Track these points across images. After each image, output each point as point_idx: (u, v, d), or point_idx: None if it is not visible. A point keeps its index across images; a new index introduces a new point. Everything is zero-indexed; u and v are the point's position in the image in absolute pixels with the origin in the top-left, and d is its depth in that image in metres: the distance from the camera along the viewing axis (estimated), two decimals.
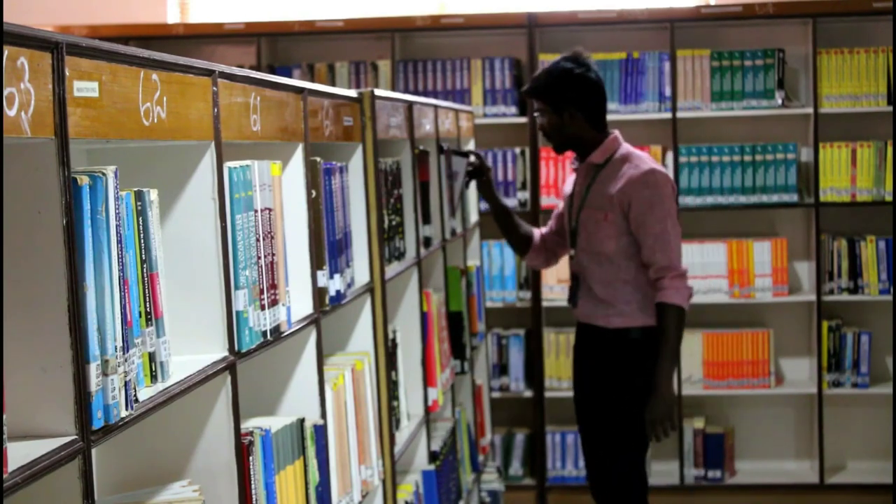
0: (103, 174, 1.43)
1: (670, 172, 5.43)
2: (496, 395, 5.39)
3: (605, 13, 5.37)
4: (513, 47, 5.53)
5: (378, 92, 2.93)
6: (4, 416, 1.19)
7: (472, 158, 3.93)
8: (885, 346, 5.41)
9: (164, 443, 1.84)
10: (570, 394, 5.63)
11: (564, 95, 3.55)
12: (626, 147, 3.63)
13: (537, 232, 4.01)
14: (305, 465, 2.21)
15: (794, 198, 5.38)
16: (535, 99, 3.67)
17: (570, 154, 3.76)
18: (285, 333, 2.13)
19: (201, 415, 1.84)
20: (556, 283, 5.40)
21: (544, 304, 5.42)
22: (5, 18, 1.22)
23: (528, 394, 5.51)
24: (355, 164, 2.83)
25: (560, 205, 3.90)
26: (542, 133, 3.65)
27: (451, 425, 3.76)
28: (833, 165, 5.34)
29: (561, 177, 5.47)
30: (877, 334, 5.40)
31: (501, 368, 5.53)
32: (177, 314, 1.73)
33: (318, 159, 2.41)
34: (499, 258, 5.49)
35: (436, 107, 3.87)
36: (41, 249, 1.34)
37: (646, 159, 3.61)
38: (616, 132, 3.65)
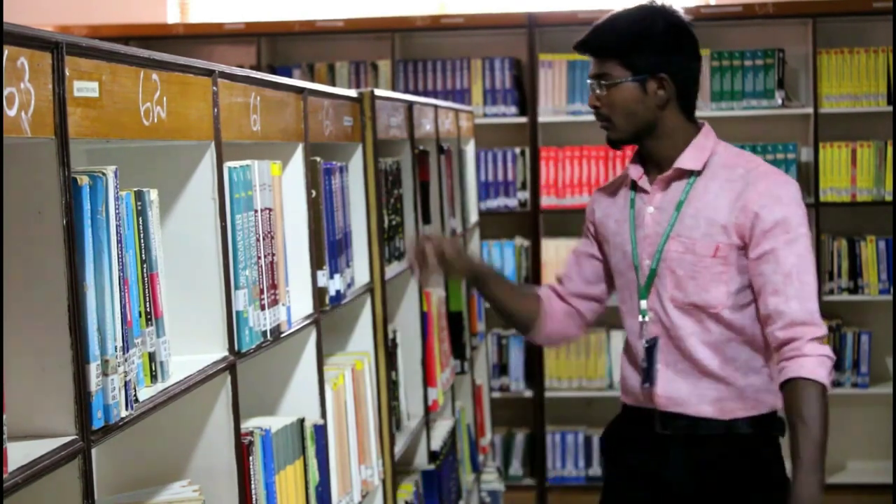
0: (103, 174, 1.43)
1: None
2: (496, 395, 5.39)
3: (605, 13, 5.36)
4: (513, 47, 5.53)
5: (378, 92, 2.93)
6: (4, 416, 1.19)
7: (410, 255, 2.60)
8: (885, 346, 5.41)
9: (164, 443, 1.84)
10: (571, 394, 5.68)
11: (657, 55, 2.41)
12: (724, 146, 2.50)
13: (545, 290, 2.69)
14: (305, 465, 2.21)
15: None
16: (599, 57, 2.43)
17: (626, 152, 2.78)
18: (285, 333, 2.13)
19: (201, 415, 1.84)
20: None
21: None
22: (5, 18, 1.22)
23: (528, 394, 5.51)
24: (355, 164, 2.83)
25: (581, 242, 2.66)
26: (598, 115, 2.45)
27: (451, 425, 3.76)
28: (833, 165, 5.34)
29: (562, 177, 5.45)
30: (877, 334, 5.40)
31: (501, 368, 5.53)
32: (177, 314, 1.73)
33: (318, 159, 2.41)
34: (499, 258, 5.49)
35: (436, 107, 3.87)
36: (41, 249, 1.34)
37: (766, 164, 2.50)
38: (707, 126, 2.51)
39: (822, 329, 2.36)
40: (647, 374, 2.47)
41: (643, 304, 2.47)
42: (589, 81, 2.46)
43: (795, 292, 2.33)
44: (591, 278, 2.63)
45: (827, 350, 2.37)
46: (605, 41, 2.43)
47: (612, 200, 2.56)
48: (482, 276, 2.63)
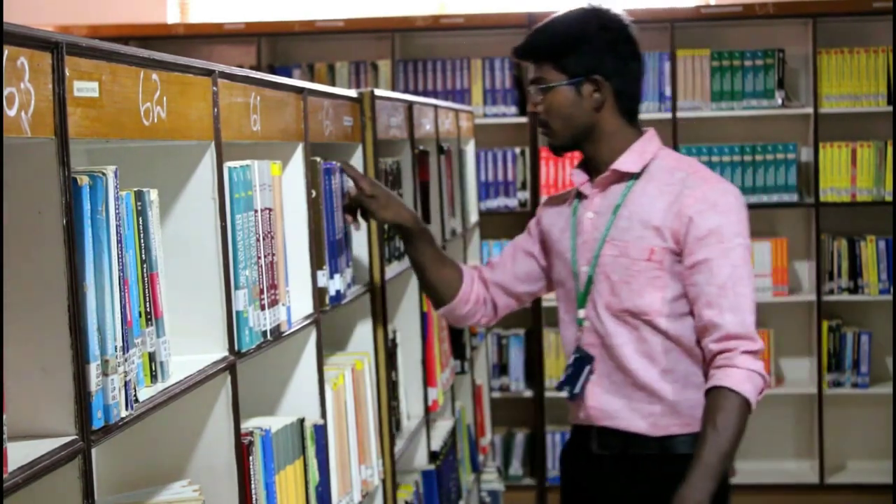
0: (103, 174, 1.43)
1: None
2: (496, 395, 5.39)
3: None
4: (513, 47, 5.52)
5: (378, 92, 2.93)
6: (4, 416, 1.19)
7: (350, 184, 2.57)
8: (885, 346, 5.41)
9: (164, 443, 1.84)
10: None
11: (590, 57, 2.35)
12: (668, 151, 2.43)
13: (469, 270, 2.65)
14: (305, 465, 2.21)
15: (794, 198, 5.38)
16: (535, 62, 2.40)
17: (575, 156, 2.52)
18: (285, 333, 2.13)
19: (201, 415, 1.84)
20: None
21: (544, 304, 5.42)
22: (5, 18, 1.22)
23: (528, 394, 5.51)
24: (355, 163, 2.83)
25: (521, 237, 2.64)
26: (538, 121, 2.43)
27: (451, 425, 3.76)
28: (833, 165, 5.34)
29: (562, 177, 5.45)
30: (877, 334, 5.40)
31: (501, 368, 5.53)
32: (177, 314, 1.73)
33: (318, 159, 2.40)
34: None
35: (436, 107, 3.87)
36: (41, 249, 1.34)
37: (707, 170, 2.43)
38: (652, 131, 2.45)
39: (756, 343, 2.26)
40: (571, 381, 2.41)
41: (581, 312, 2.41)
42: (529, 88, 2.41)
43: (730, 304, 2.25)
44: (521, 276, 2.60)
45: (759, 366, 2.25)
46: (539, 45, 2.39)
47: (558, 210, 2.52)
48: (411, 231, 2.57)
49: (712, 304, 2.26)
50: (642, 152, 2.38)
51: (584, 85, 2.34)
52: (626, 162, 2.37)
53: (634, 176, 2.37)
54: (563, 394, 2.44)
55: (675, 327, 2.33)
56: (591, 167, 2.43)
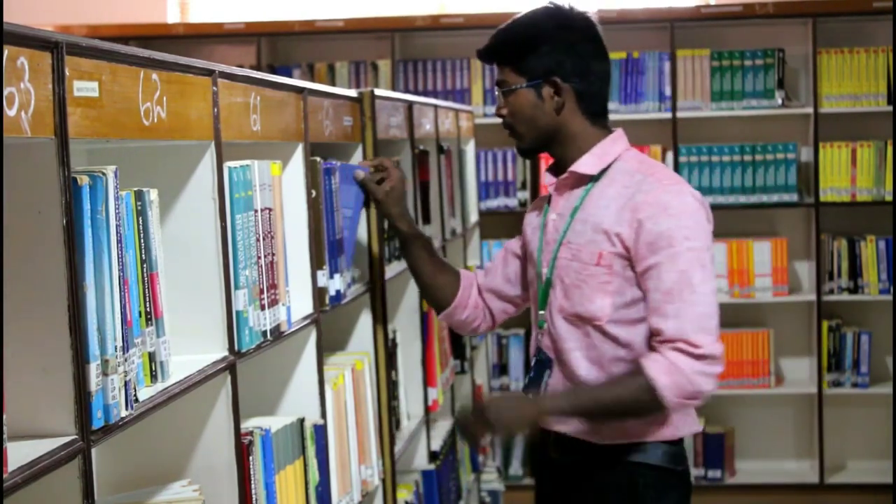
0: (103, 174, 1.43)
1: None
2: (496, 395, 5.39)
3: (605, 13, 5.37)
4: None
5: (378, 92, 2.93)
6: (4, 416, 1.19)
7: (365, 172, 2.59)
8: (885, 346, 5.41)
9: (164, 443, 1.84)
10: None
11: (549, 58, 2.29)
12: (634, 154, 2.35)
13: (468, 276, 2.64)
14: (305, 465, 2.21)
15: (794, 198, 5.38)
16: (497, 64, 2.37)
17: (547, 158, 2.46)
18: (285, 333, 2.13)
19: (201, 415, 1.84)
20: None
21: None
22: (5, 18, 1.22)
23: None
24: (355, 163, 2.83)
25: (513, 240, 2.63)
26: (504, 124, 2.40)
27: (451, 425, 3.76)
28: (833, 165, 5.34)
29: None
30: (877, 334, 5.40)
31: (501, 368, 5.53)
32: (177, 314, 1.73)
33: (318, 159, 2.40)
34: None
35: (436, 107, 3.87)
36: (41, 249, 1.34)
37: (668, 172, 2.34)
38: (619, 131, 2.38)
39: (698, 348, 2.12)
40: (533, 384, 2.36)
41: (541, 314, 2.37)
42: (496, 91, 2.38)
43: (674, 311, 2.15)
44: (512, 278, 2.57)
45: (690, 366, 2.12)
46: (499, 47, 2.35)
47: (537, 211, 2.49)
48: (409, 236, 2.57)
49: (657, 311, 2.18)
50: (603, 154, 2.31)
51: (544, 87, 2.30)
52: (584, 164, 2.31)
53: (594, 178, 2.31)
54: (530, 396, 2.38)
55: (626, 333, 2.26)
56: (560, 169, 2.39)
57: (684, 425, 2.32)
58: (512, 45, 2.32)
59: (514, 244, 2.59)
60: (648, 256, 2.19)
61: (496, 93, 2.37)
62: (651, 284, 2.20)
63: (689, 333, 2.13)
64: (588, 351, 2.29)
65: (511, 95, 2.32)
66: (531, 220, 2.50)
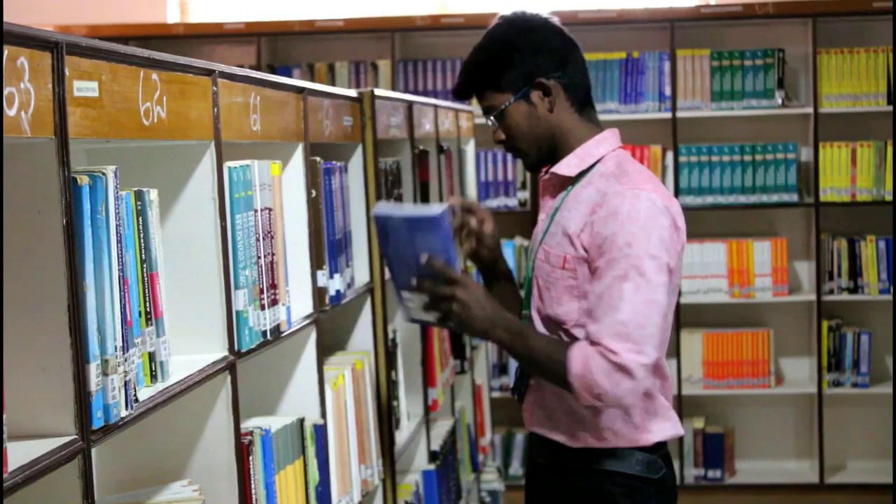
0: (103, 174, 1.43)
1: (670, 173, 5.46)
2: (496, 394, 5.39)
3: (605, 13, 5.37)
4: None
5: (378, 92, 2.93)
6: (4, 416, 1.19)
7: (450, 204, 2.32)
8: (885, 346, 5.41)
9: (164, 443, 1.84)
10: None
11: (522, 64, 2.27)
12: (617, 155, 2.28)
13: None
14: (305, 465, 2.21)
15: (794, 198, 5.38)
16: (477, 95, 2.34)
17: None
18: (285, 333, 2.13)
19: (201, 415, 1.84)
20: None
21: None
22: (5, 18, 1.22)
23: None
24: (355, 163, 2.83)
25: None
26: (506, 148, 2.34)
27: (451, 425, 3.76)
28: (833, 165, 5.34)
29: None
30: (877, 334, 5.40)
31: (501, 368, 5.53)
32: (177, 314, 1.73)
33: (318, 159, 2.41)
34: None
35: (436, 107, 3.87)
36: (41, 249, 1.34)
37: (640, 176, 2.23)
38: (609, 132, 2.31)
39: (613, 354, 2.07)
40: (518, 385, 2.37)
41: (524, 314, 2.34)
42: (489, 123, 2.33)
43: (599, 315, 2.10)
44: None
45: (601, 367, 2.08)
46: (472, 78, 2.30)
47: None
48: (499, 274, 2.47)
49: (588, 312, 2.16)
50: (585, 156, 2.27)
51: (532, 93, 2.26)
52: (564, 166, 2.27)
53: (575, 180, 2.27)
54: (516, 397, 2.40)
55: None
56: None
57: (660, 430, 2.27)
58: (485, 69, 2.28)
59: None
60: (596, 259, 2.16)
61: (488, 123, 2.32)
62: (591, 287, 2.16)
63: (605, 338, 2.09)
64: None
65: (504, 117, 2.27)
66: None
